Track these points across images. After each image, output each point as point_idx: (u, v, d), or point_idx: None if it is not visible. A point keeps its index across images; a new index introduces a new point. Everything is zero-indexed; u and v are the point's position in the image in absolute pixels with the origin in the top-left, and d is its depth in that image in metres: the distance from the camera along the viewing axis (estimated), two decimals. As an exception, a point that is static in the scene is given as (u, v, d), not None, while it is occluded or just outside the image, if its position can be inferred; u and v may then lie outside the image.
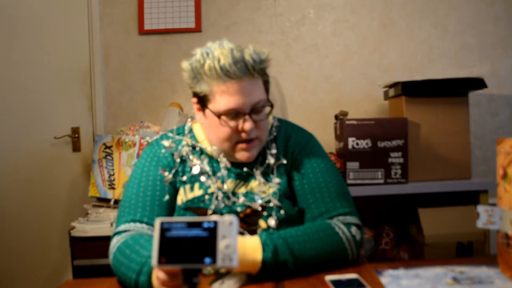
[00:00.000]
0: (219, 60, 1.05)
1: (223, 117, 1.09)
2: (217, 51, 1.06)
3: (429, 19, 2.40)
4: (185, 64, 1.11)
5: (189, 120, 1.28)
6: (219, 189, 1.15)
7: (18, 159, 2.45)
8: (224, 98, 1.07)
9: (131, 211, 1.12)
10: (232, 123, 1.09)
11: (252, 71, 1.07)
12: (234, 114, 1.09)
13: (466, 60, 2.39)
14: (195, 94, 1.14)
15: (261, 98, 1.10)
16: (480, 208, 0.95)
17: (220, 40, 1.11)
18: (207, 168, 1.17)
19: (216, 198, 1.14)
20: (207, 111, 1.12)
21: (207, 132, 1.17)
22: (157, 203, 1.14)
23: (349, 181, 1.91)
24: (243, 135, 1.10)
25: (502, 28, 2.39)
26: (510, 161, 0.91)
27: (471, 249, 1.90)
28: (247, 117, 1.09)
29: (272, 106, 1.14)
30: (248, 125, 1.09)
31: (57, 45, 2.47)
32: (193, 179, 1.17)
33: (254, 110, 1.10)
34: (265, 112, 1.13)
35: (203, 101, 1.12)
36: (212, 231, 0.73)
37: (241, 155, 1.13)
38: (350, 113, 2.23)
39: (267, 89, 1.15)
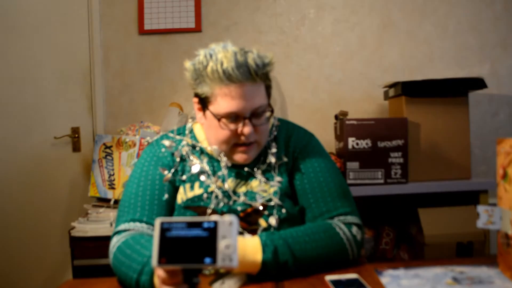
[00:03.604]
0: (222, 64, 1.05)
1: (223, 120, 1.09)
2: (220, 54, 1.06)
3: (429, 19, 2.40)
4: (188, 64, 1.12)
5: (190, 120, 1.28)
6: (219, 188, 1.15)
7: (18, 159, 2.45)
8: (225, 101, 1.07)
9: (131, 210, 1.13)
10: (232, 126, 1.10)
11: (255, 76, 1.07)
12: (234, 117, 1.09)
13: (466, 60, 2.39)
14: (197, 95, 1.14)
15: (262, 103, 1.10)
16: (480, 208, 0.95)
17: (224, 42, 1.10)
18: (207, 168, 1.17)
19: (216, 197, 1.14)
20: (207, 112, 1.12)
21: (207, 132, 1.17)
22: (157, 202, 1.14)
23: (349, 181, 1.91)
24: (242, 138, 1.11)
25: (502, 28, 2.39)
26: (510, 161, 0.91)
27: (471, 249, 1.90)
28: (246, 121, 1.09)
29: (272, 111, 1.15)
30: (247, 129, 1.09)
31: (57, 45, 2.47)
32: (193, 178, 1.17)
33: (254, 115, 1.10)
34: (266, 116, 1.13)
35: (204, 102, 1.12)
36: (212, 231, 0.73)
37: (239, 157, 1.14)
38: (350, 113, 2.23)
39: (268, 94, 1.15)
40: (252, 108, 1.09)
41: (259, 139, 1.14)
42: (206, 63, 1.07)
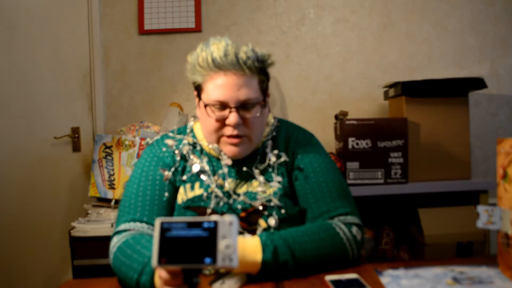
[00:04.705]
0: (212, 53, 1.08)
1: (209, 107, 1.10)
2: (214, 45, 1.10)
3: (429, 19, 2.40)
4: (188, 57, 1.15)
5: (191, 119, 1.28)
6: (220, 188, 1.15)
7: (18, 159, 2.45)
8: (212, 89, 1.10)
9: (131, 210, 1.13)
10: (217, 114, 1.10)
11: (243, 66, 1.08)
12: (221, 106, 1.10)
13: (466, 60, 2.39)
14: (194, 86, 1.17)
15: (251, 96, 1.10)
16: (480, 208, 0.95)
17: (222, 37, 1.13)
18: (207, 167, 1.17)
19: (216, 196, 1.14)
20: (200, 102, 1.14)
21: (201, 125, 1.19)
22: (157, 202, 1.14)
23: (349, 181, 1.91)
24: (229, 128, 1.11)
25: (502, 28, 2.39)
26: (510, 161, 0.91)
27: (471, 249, 1.90)
28: (233, 109, 1.09)
29: (265, 106, 1.15)
30: (233, 118, 1.09)
31: (57, 45, 2.47)
32: (194, 178, 1.17)
33: (243, 106, 1.10)
34: (257, 111, 1.13)
35: (198, 92, 1.16)
36: (212, 231, 0.73)
37: (228, 150, 1.14)
38: (350, 113, 2.23)
39: (263, 89, 1.15)
40: (239, 98, 1.09)
41: (249, 133, 1.14)
42: (199, 53, 1.11)
